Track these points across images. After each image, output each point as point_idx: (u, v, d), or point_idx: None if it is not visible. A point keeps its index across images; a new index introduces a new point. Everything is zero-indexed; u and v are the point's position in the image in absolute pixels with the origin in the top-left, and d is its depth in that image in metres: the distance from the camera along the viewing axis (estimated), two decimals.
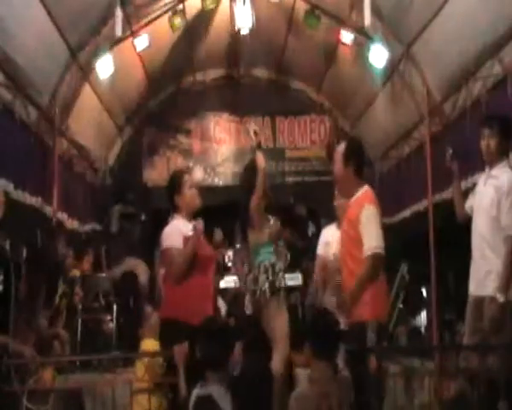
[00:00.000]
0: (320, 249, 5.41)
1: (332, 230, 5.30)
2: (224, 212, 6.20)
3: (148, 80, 9.32)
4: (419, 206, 7.87)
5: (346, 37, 7.67)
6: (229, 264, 8.66)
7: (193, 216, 4.22)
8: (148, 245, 8.11)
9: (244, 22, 7.71)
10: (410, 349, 6.03)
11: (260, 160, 4.55)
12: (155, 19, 7.90)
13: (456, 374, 3.81)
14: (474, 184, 4.45)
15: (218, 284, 7.55)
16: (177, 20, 7.74)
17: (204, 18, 8.48)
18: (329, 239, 5.19)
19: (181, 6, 7.79)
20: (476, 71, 6.13)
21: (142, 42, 7.65)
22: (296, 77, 10.32)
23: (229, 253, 8.65)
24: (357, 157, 3.86)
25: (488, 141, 4.09)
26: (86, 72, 7.47)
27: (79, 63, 7.22)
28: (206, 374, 3.28)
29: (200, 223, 4.05)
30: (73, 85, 7.36)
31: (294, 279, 8.30)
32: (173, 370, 3.66)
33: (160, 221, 4.42)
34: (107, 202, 9.63)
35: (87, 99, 7.96)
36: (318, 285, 5.43)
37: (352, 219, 3.74)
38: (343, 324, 3.63)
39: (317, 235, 6.52)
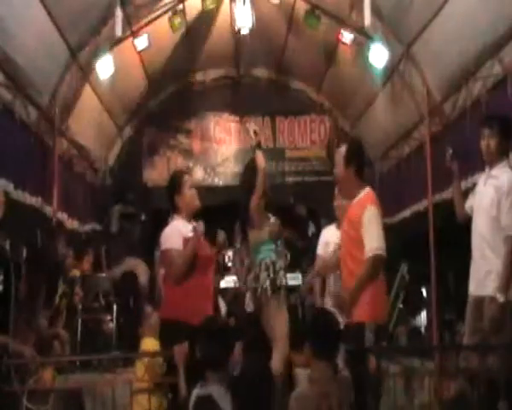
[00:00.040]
0: (320, 249, 5.40)
1: (332, 230, 5.30)
2: (224, 212, 6.20)
3: (148, 80, 9.32)
4: (419, 206, 7.87)
5: (346, 37, 7.67)
6: (229, 264, 8.66)
7: (193, 216, 4.22)
8: (148, 245, 8.11)
9: (244, 22, 7.70)
10: (410, 349, 6.04)
11: (260, 159, 4.55)
12: (155, 19, 7.90)
13: (456, 374, 3.81)
14: (474, 184, 4.45)
15: (219, 283, 7.55)
16: (177, 20, 7.74)
17: (205, 18, 8.48)
18: (329, 239, 5.19)
19: (181, 6, 7.79)
20: (476, 71, 6.13)
21: (142, 42, 7.64)
22: (296, 77, 10.32)
23: (229, 253, 8.65)
24: (358, 159, 3.89)
25: (488, 141, 4.09)
26: (86, 72, 7.47)
27: (79, 63, 7.22)
28: (206, 374, 3.28)
29: (201, 225, 4.06)
30: (73, 85, 7.37)
31: (294, 279, 8.31)
32: (173, 370, 3.66)
33: (160, 221, 4.43)
34: (107, 202, 9.63)
35: (87, 99, 7.96)
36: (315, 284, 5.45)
37: (353, 220, 3.75)
38: (343, 324, 3.64)
39: (317, 235, 6.52)
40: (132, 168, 10.24)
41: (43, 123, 7.00)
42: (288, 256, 5.15)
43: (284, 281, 4.56)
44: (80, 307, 6.61)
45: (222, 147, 10.50)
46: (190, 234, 4.01)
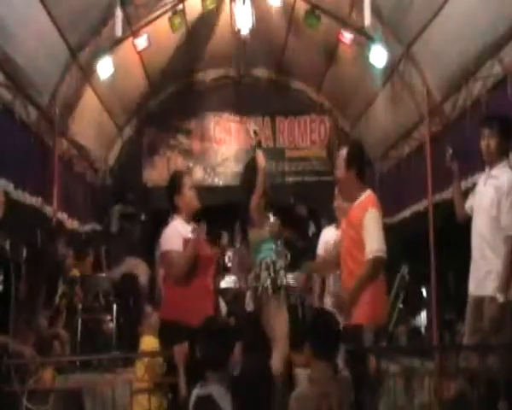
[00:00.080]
0: (320, 249, 5.41)
1: (332, 230, 5.30)
2: (224, 212, 6.20)
3: (148, 80, 9.32)
4: (419, 206, 7.87)
5: (346, 37, 7.67)
6: (229, 264, 8.66)
7: (193, 217, 4.22)
8: (148, 245, 8.10)
9: (244, 22, 7.71)
10: (410, 349, 6.04)
11: (260, 159, 4.56)
12: (155, 19, 7.90)
13: (456, 374, 3.81)
14: (474, 184, 4.46)
15: (219, 284, 7.55)
16: (177, 20, 7.74)
17: (205, 18, 8.48)
18: (329, 239, 5.19)
19: (181, 6, 7.79)
20: (476, 71, 6.13)
21: (142, 42, 7.64)
22: (296, 77, 10.32)
23: (229, 253, 8.65)
24: (359, 161, 3.91)
25: (488, 141, 4.10)
26: (86, 72, 7.47)
27: (79, 63, 7.21)
28: (206, 374, 3.27)
29: (203, 227, 4.05)
30: (73, 86, 7.36)
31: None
32: (173, 370, 3.66)
33: (160, 221, 4.42)
34: (107, 202, 9.62)
35: (87, 99, 7.96)
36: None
37: (354, 221, 3.77)
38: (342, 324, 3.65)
39: (317, 235, 6.51)
40: (132, 168, 10.23)
41: (43, 123, 6.99)
42: (288, 256, 5.15)
43: (285, 280, 4.57)
44: (80, 307, 6.61)
45: (222, 147, 10.49)
46: (190, 235, 4.01)
